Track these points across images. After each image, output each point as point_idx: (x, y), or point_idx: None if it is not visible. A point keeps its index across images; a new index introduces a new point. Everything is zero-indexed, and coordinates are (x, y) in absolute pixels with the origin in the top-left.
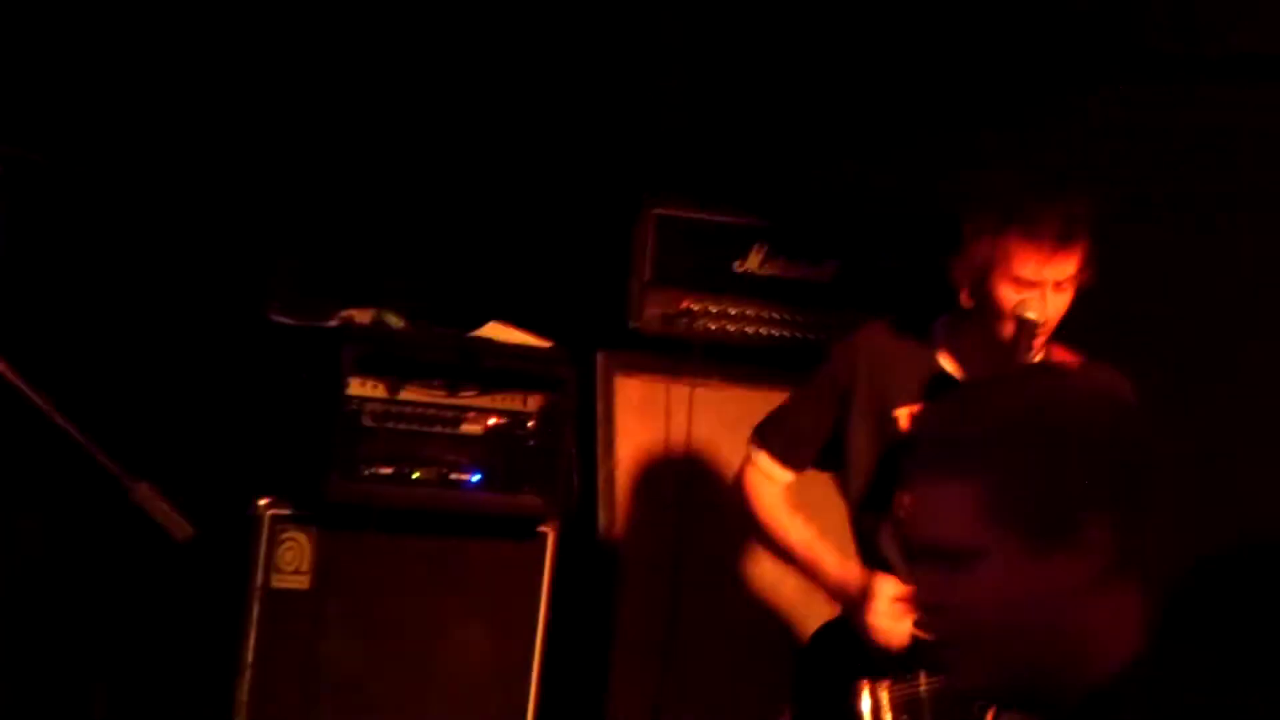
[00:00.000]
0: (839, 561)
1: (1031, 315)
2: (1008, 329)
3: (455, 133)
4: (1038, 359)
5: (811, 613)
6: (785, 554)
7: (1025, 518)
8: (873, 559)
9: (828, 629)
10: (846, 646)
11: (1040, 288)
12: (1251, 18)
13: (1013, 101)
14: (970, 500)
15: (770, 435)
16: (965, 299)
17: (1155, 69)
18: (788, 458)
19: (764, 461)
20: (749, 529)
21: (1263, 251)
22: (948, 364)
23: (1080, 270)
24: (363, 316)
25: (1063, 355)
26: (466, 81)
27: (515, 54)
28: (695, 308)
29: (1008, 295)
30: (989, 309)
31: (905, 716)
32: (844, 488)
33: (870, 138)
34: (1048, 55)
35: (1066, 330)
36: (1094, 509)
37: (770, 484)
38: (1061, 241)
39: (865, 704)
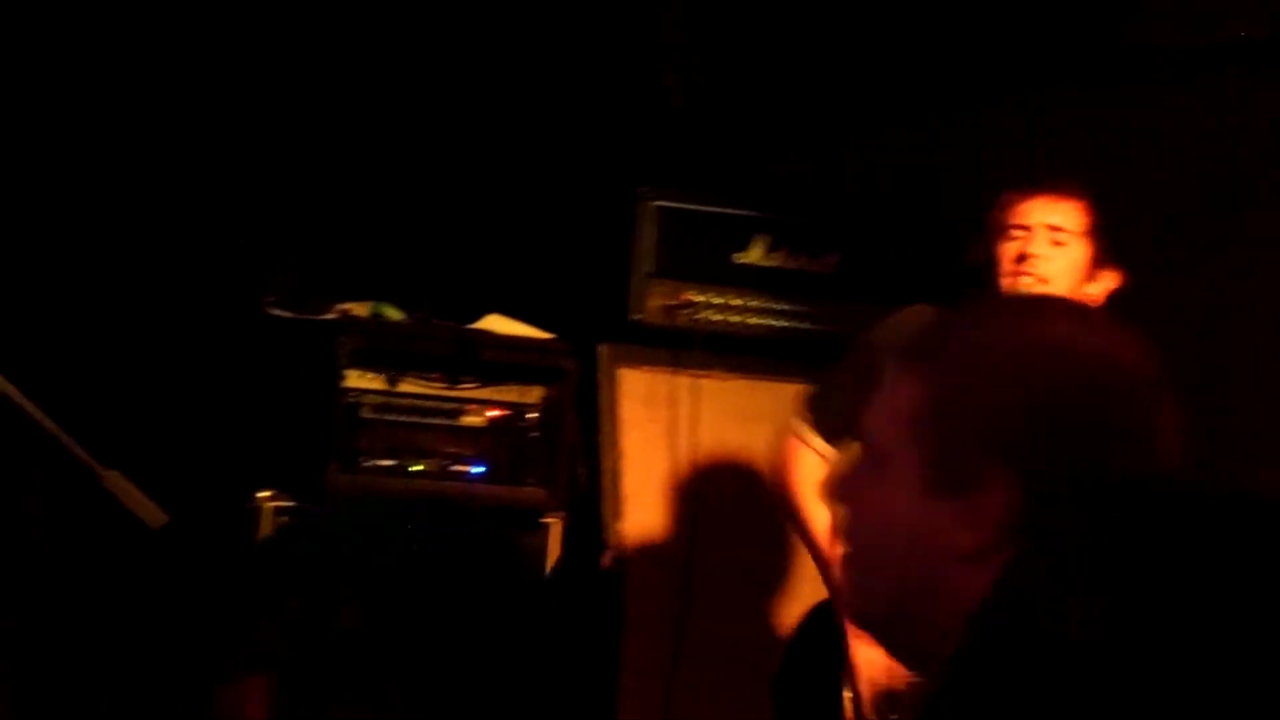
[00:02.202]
0: None
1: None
2: (1002, 283)
3: (456, 124)
4: None
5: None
6: (806, 540)
7: (935, 443)
8: None
9: (814, 616)
10: (831, 642)
11: (1029, 231)
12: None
13: (1019, 92)
14: (904, 405)
15: (812, 406)
16: (984, 276)
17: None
18: (826, 427)
19: (804, 432)
20: (779, 507)
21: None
22: None
23: (1087, 233)
24: (360, 309)
25: None
26: (466, 72)
27: (516, 43)
28: (697, 299)
29: (1001, 249)
30: (991, 273)
31: (891, 715)
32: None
33: (874, 128)
34: (1056, 44)
35: None
36: (1001, 470)
37: (809, 455)
38: (1049, 186)
39: (848, 700)
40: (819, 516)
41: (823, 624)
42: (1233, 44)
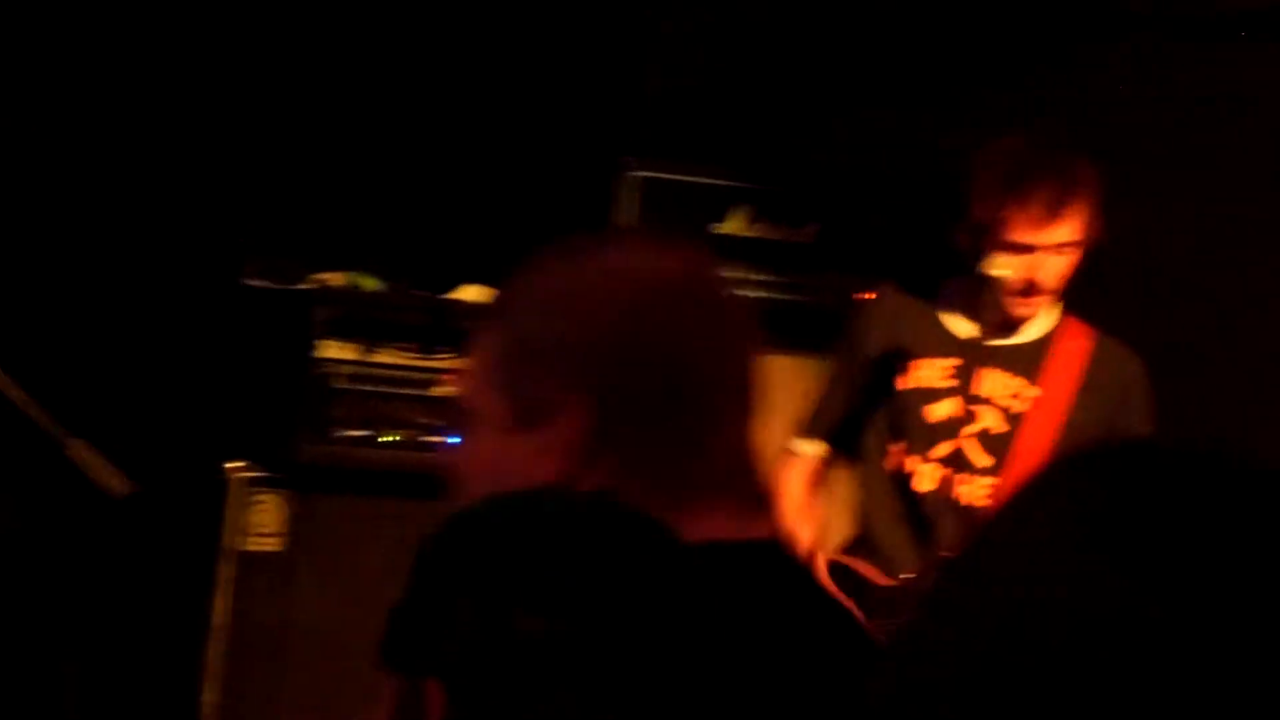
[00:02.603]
0: None
1: (1000, 272)
2: (998, 299)
3: (434, 93)
4: (1039, 321)
5: None
6: None
7: (510, 385)
8: (862, 510)
9: None
10: None
11: (1034, 252)
12: None
13: (998, 62)
14: (485, 358)
15: (808, 426)
16: (968, 260)
17: (1153, 28)
18: (809, 428)
19: (794, 444)
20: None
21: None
22: (959, 325)
23: (1084, 232)
24: (336, 279)
25: (1076, 329)
26: (445, 41)
27: (496, 11)
28: None
29: (1001, 262)
30: (987, 278)
31: None
32: (846, 446)
33: (851, 98)
34: (1039, 13)
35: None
36: (575, 397)
37: (795, 461)
38: (1055, 209)
39: None
40: (785, 494)
41: None
42: (1231, 14)
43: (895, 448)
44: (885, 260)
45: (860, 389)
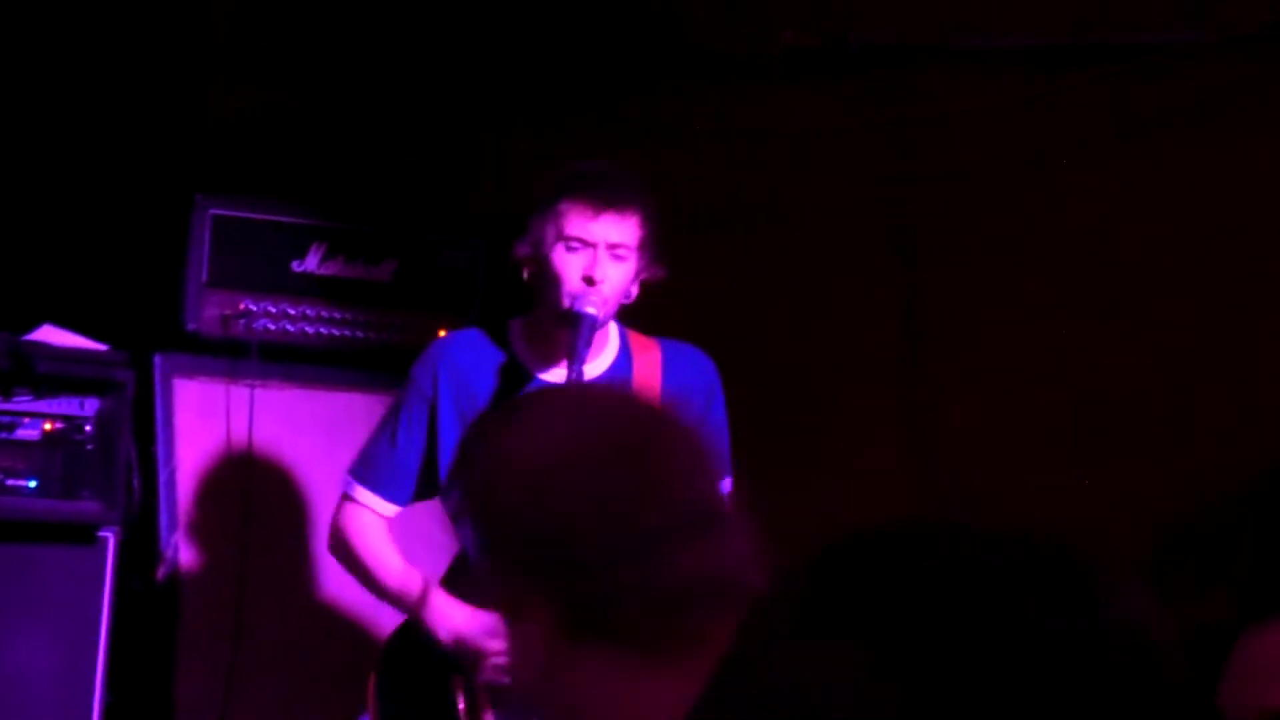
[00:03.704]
0: (451, 601)
1: (591, 310)
2: (564, 299)
3: (5, 125)
4: (606, 349)
5: (381, 615)
6: (379, 587)
7: (487, 569)
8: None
9: (409, 628)
10: (432, 646)
11: (593, 249)
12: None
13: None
14: (455, 515)
15: (366, 469)
16: (529, 278)
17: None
18: (387, 490)
19: (364, 496)
20: (352, 572)
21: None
22: (523, 359)
23: (641, 246)
24: None
25: (641, 342)
26: (18, 75)
27: (72, 42)
28: (254, 308)
29: (561, 260)
30: (547, 280)
31: (500, 708)
32: (445, 504)
33: (426, 136)
34: (604, 51)
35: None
36: (538, 598)
37: (373, 519)
38: (609, 199)
39: (460, 700)
40: (384, 559)
41: (413, 638)
42: (784, 51)
43: None
44: (464, 298)
45: (428, 443)
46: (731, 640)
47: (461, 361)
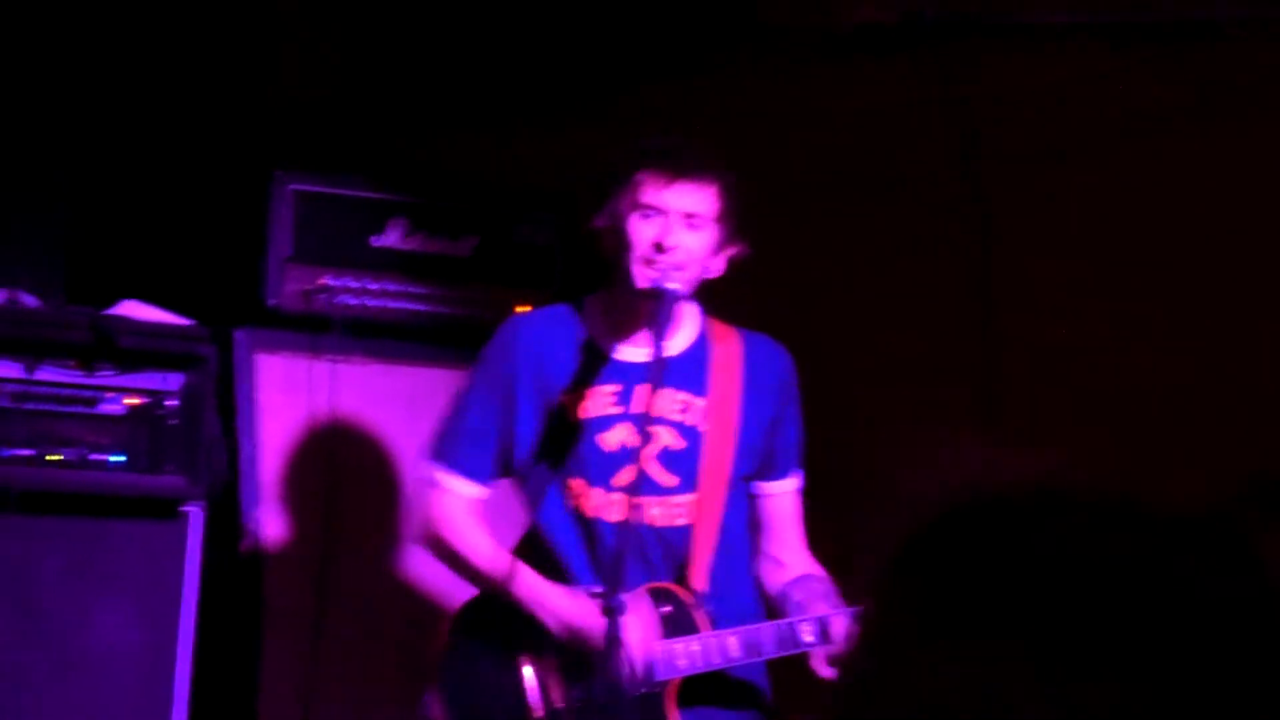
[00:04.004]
0: (558, 588)
1: (673, 286)
2: (643, 271)
3: (90, 106)
4: (684, 330)
5: (461, 589)
6: (471, 572)
7: None
8: (550, 551)
9: (476, 603)
10: (500, 623)
11: (666, 216)
12: None
13: (659, 78)
14: None
15: (446, 452)
16: (606, 251)
17: (778, 43)
18: (471, 471)
19: (447, 479)
20: (442, 559)
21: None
22: (600, 336)
23: (719, 218)
24: None
25: (721, 329)
26: (96, 54)
27: (149, 21)
28: (334, 284)
29: (635, 227)
30: (622, 250)
31: (570, 687)
32: (523, 485)
33: (507, 110)
34: (678, 29)
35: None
36: None
37: (459, 502)
38: (684, 167)
39: (530, 676)
40: (476, 545)
41: (485, 612)
42: (857, 28)
43: (574, 482)
44: (543, 273)
45: (511, 422)
46: (850, 658)
47: (538, 339)
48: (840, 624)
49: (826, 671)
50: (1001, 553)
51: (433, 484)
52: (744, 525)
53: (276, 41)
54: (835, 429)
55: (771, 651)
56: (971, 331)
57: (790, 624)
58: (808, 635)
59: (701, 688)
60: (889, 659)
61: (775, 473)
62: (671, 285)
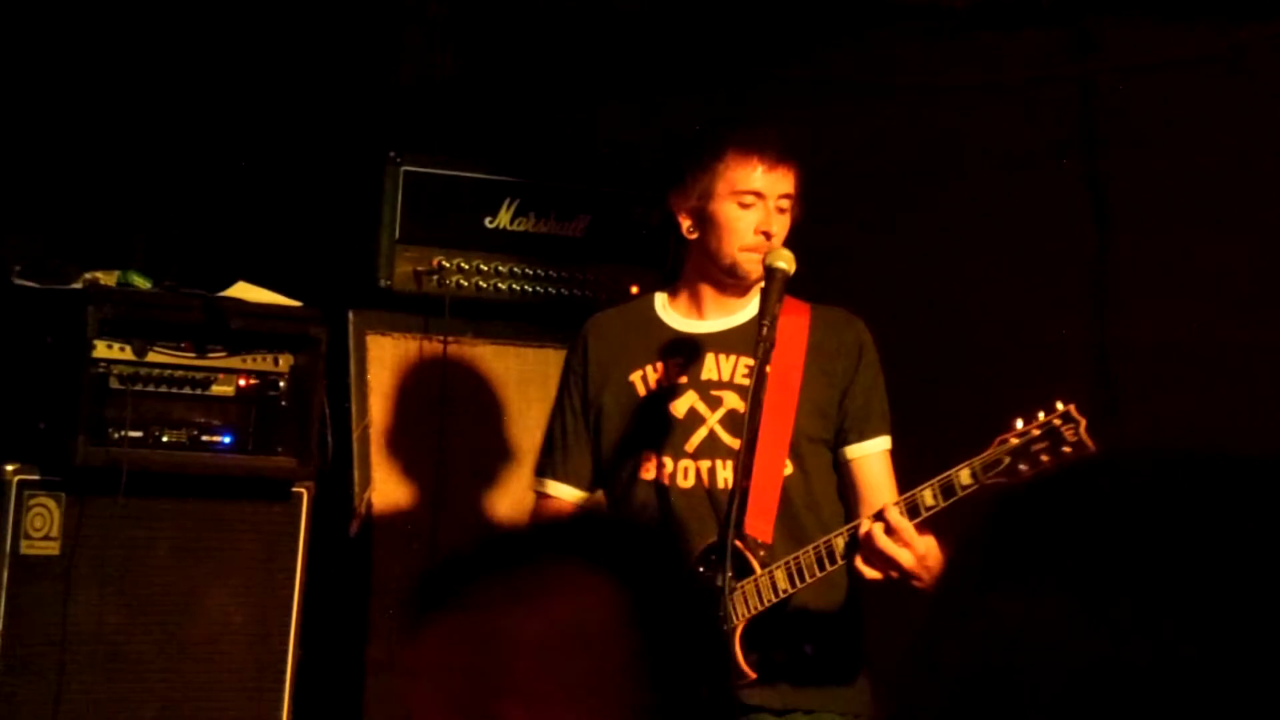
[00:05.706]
0: None
1: (782, 265)
2: (747, 256)
3: (200, 88)
4: (752, 302)
5: None
6: None
7: None
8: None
9: None
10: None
11: (764, 200)
12: None
13: (763, 53)
14: None
15: (545, 461)
16: (688, 232)
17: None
18: (568, 476)
19: (549, 487)
20: None
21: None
22: (674, 316)
23: (799, 198)
24: (108, 278)
25: (790, 304)
26: (209, 35)
27: (256, 12)
28: (446, 265)
29: (734, 214)
30: (714, 234)
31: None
32: (607, 474)
33: (618, 91)
34: (797, 6)
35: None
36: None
37: (563, 507)
38: (780, 153)
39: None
40: None
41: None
42: (974, 4)
43: (648, 453)
44: (656, 253)
45: (597, 418)
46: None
47: (607, 333)
48: (865, 528)
49: (869, 572)
50: (1119, 507)
51: (539, 495)
52: (815, 489)
53: (398, 26)
54: (946, 403)
55: (816, 571)
56: (1085, 311)
57: (825, 541)
58: (841, 543)
59: (771, 629)
60: (978, 598)
61: (854, 436)
62: (781, 264)
